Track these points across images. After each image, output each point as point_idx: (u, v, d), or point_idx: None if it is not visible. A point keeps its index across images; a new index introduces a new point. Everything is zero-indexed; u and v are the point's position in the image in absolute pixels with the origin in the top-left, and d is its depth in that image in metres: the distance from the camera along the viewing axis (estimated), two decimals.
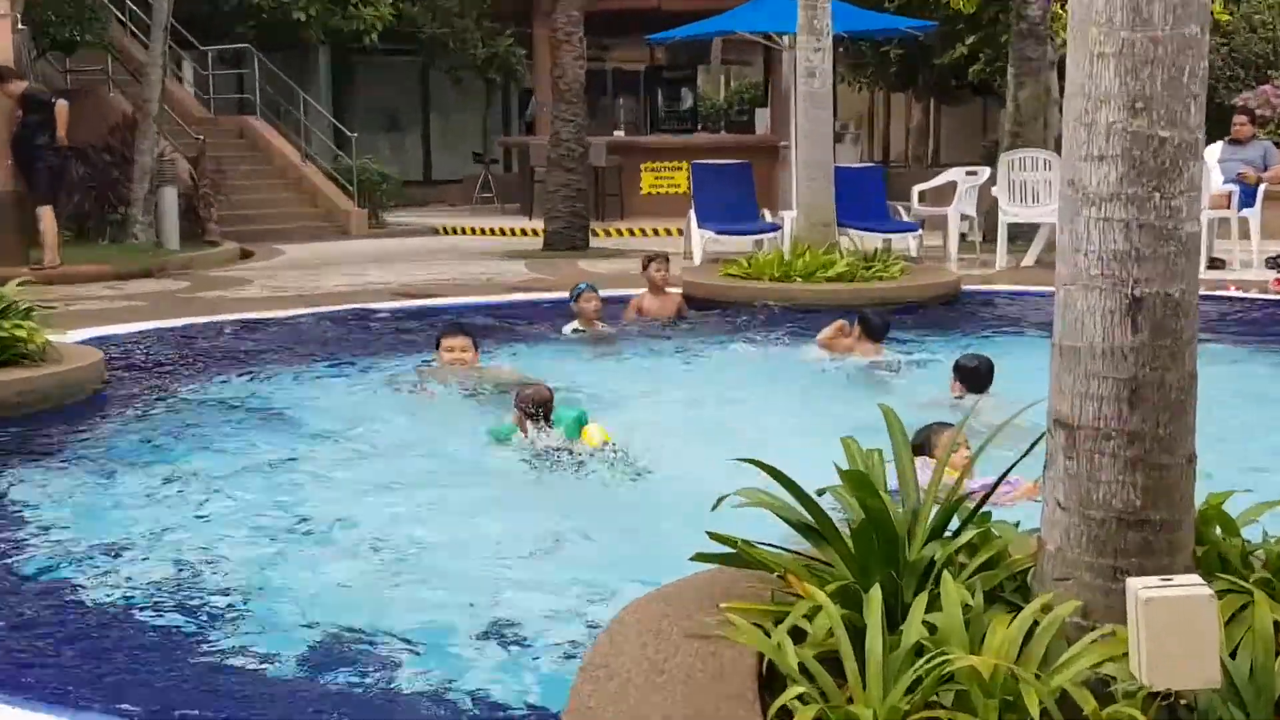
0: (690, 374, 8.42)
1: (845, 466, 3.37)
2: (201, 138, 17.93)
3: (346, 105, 25.13)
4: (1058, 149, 14.15)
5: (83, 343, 8.25)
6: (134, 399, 7.48)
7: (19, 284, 7.63)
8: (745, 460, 3.25)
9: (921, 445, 5.10)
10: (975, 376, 6.67)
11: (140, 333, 9.58)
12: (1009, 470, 3.76)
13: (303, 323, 10.26)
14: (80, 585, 4.47)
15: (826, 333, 8.45)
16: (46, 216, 13.34)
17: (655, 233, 18.94)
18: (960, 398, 6.61)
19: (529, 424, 6.08)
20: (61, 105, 13.40)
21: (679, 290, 10.55)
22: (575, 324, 9.29)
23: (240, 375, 8.18)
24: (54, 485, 5.71)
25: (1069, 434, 2.86)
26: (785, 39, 15.73)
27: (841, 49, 20.37)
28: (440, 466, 5.99)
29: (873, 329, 8.32)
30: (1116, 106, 2.76)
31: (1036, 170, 13.67)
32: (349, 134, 19.98)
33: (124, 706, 3.47)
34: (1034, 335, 9.11)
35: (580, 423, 6.10)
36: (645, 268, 10.20)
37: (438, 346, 7.51)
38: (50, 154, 13.35)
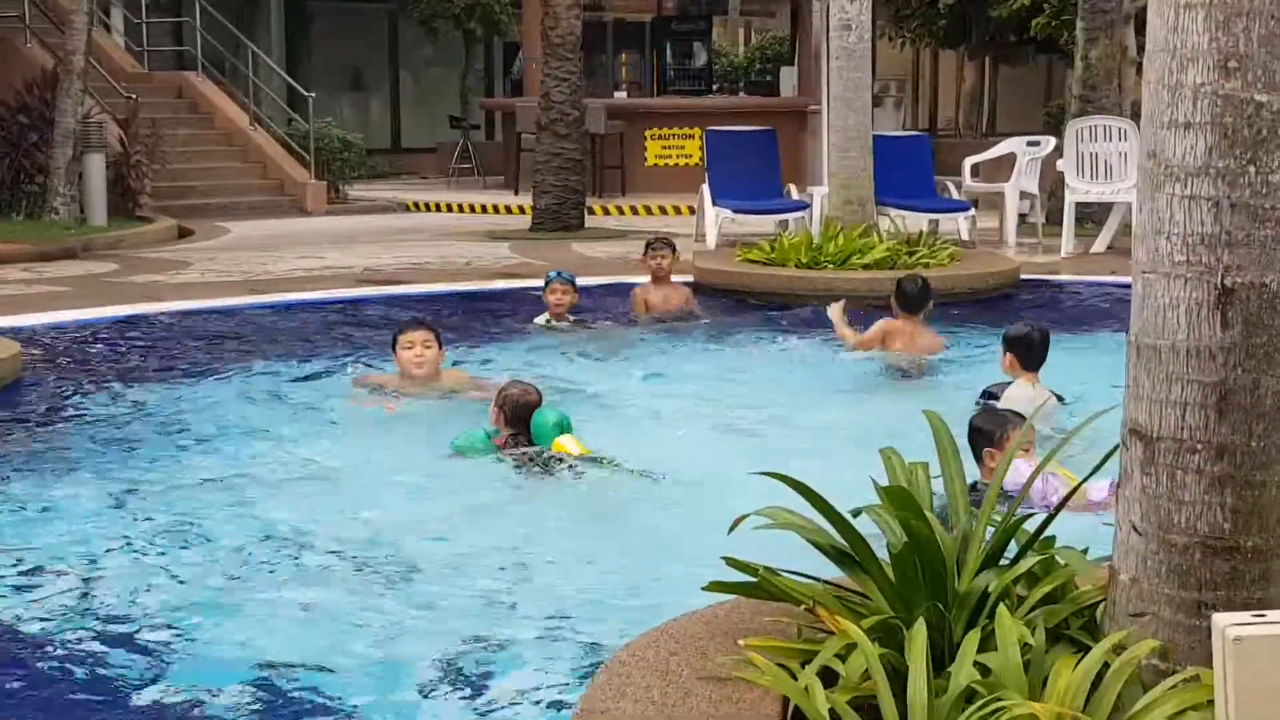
0: (697, 375, 8.44)
1: (885, 482, 3.38)
2: (133, 97, 17.95)
3: (302, 61, 25.20)
4: (1135, 116, 14.26)
5: None
6: (53, 398, 7.52)
7: None
8: (769, 474, 3.25)
9: (992, 433, 5.13)
10: (1028, 347, 6.71)
11: (61, 323, 9.61)
12: (1076, 488, 3.79)
13: (250, 314, 10.29)
14: None
15: (842, 328, 8.46)
16: None
17: (662, 211, 18.99)
18: (1013, 375, 6.70)
19: (506, 430, 6.14)
20: None
21: (686, 279, 10.59)
22: (547, 315, 9.57)
23: (176, 374, 8.22)
24: None
25: (1147, 446, 2.88)
26: None
27: None
28: (407, 478, 6.02)
29: (909, 299, 8.31)
30: (1205, 66, 2.77)
31: (1110, 141, 13.68)
32: (305, 94, 20.00)
33: None
34: (1105, 332, 9.12)
35: (560, 428, 6.12)
36: (645, 253, 10.26)
37: (394, 346, 7.42)
38: None
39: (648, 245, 10.31)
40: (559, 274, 9.74)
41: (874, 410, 7.21)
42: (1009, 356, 6.80)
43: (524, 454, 6.07)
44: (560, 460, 6.00)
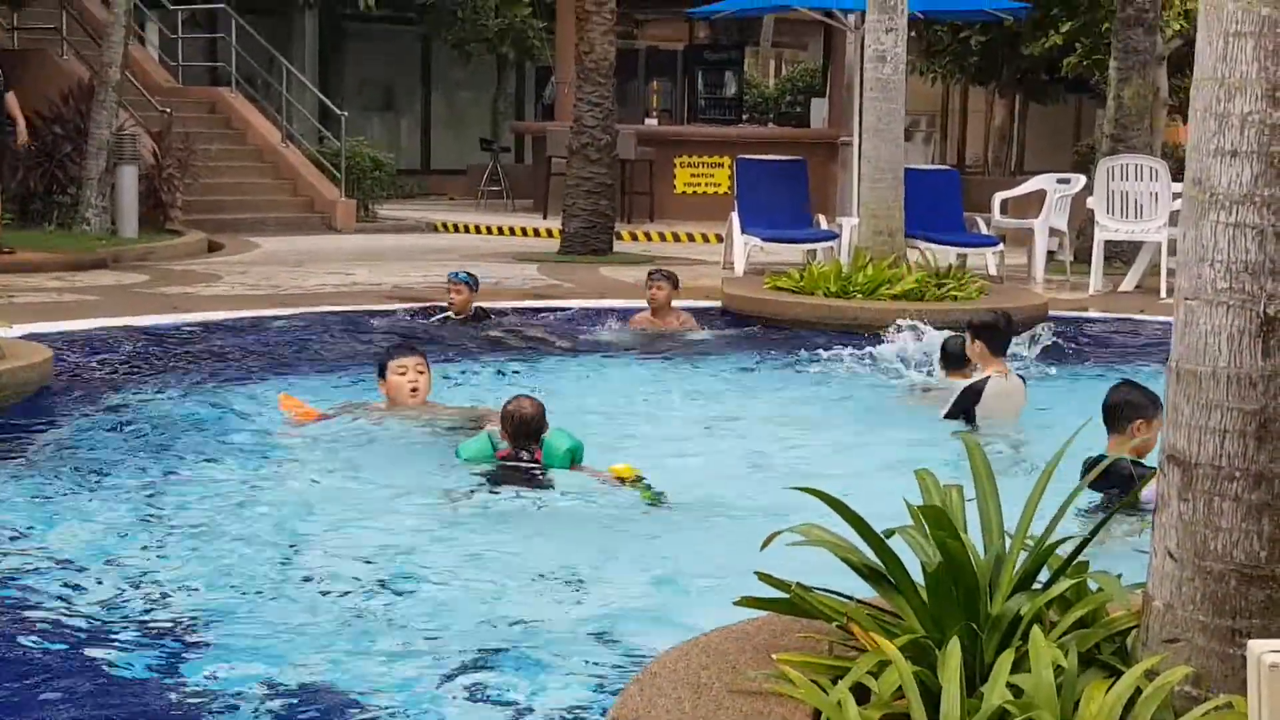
0: (727, 395, 8.53)
1: (918, 503, 3.39)
2: (167, 111, 18.09)
3: (335, 79, 25.33)
4: (1166, 157, 14.26)
5: (28, 339, 8.34)
6: (82, 404, 7.57)
7: None
8: (806, 490, 3.27)
9: (1146, 407, 5.30)
10: (996, 332, 7.25)
11: (91, 330, 9.68)
12: (1109, 517, 3.79)
13: (278, 326, 10.35)
14: (8, 609, 4.53)
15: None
16: None
17: (690, 238, 19.02)
18: (981, 363, 7.22)
19: (510, 443, 6.17)
20: (11, 99, 13.71)
21: (713, 305, 10.71)
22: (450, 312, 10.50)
23: (203, 383, 8.27)
24: None
25: (1185, 473, 2.88)
26: (851, 18, 15.82)
27: (913, 33, 20.43)
28: (431, 489, 6.05)
29: (951, 359, 8.34)
30: (1253, 95, 2.79)
31: (1140, 180, 13.66)
32: (338, 112, 20.11)
33: None
34: (1133, 369, 9.10)
35: (572, 454, 6.12)
36: (646, 282, 10.58)
37: (382, 374, 7.07)
38: None
39: (649, 275, 10.63)
40: (456, 274, 10.66)
41: (904, 434, 7.23)
42: (978, 344, 7.27)
43: (521, 469, 6.09)
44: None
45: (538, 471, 6.08)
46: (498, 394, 7.30)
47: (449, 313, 10.58)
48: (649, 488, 6.00)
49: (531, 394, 6.51)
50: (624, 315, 10.64)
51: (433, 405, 7.19)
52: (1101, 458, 4.88)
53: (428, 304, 11.07)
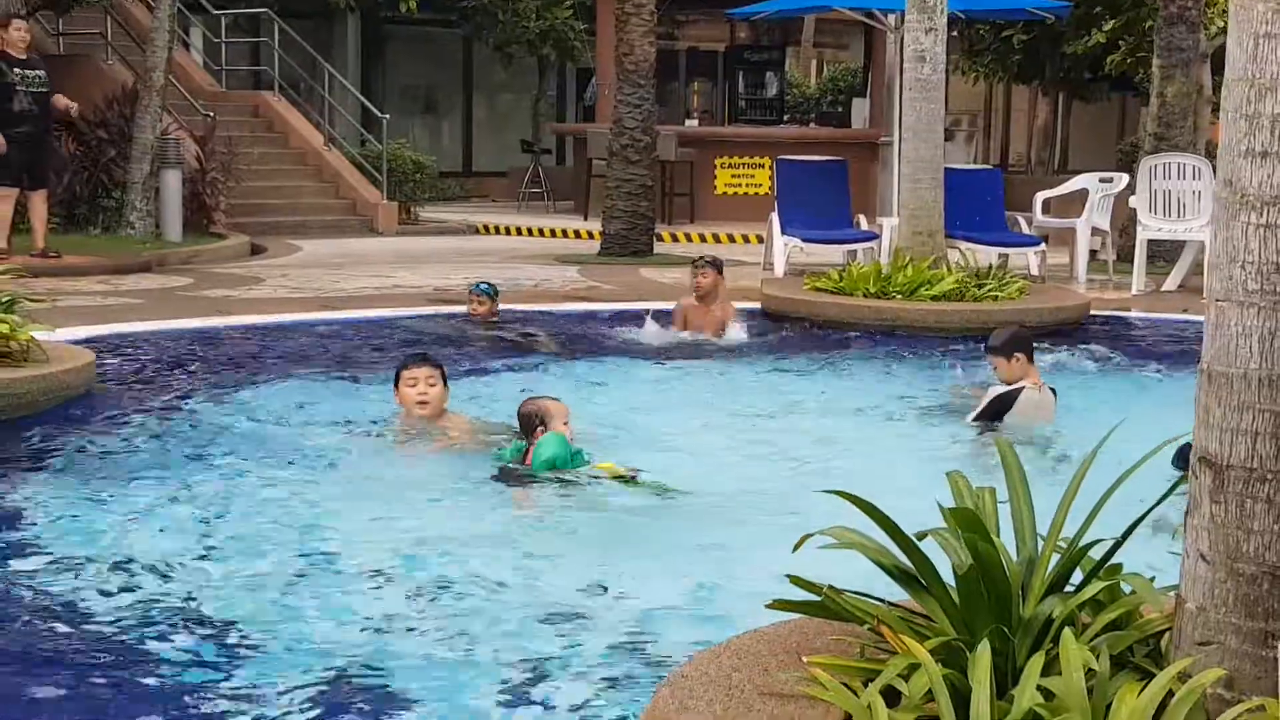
0: (759, 397, 8.53)
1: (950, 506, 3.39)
2: (211, 115, 18.22)
3: (377, 82, 25.49)
4: (1210, 155, 14.16)
5: (72, 343, 8.41)
6: (126, 408, 7.62)
7: (1, 273, 7.78)
8: (837, 493, 3.28)
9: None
10: (1028, 344, 7.30)
11: (136, 334, 9.76)
12: (1141, 518, 3.77)
13: (320, 329, 10.40)
14: (57, 610, 4.59)
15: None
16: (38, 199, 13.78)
17: (730, 239, 19.03)
18: (1023, 375, 7.25)
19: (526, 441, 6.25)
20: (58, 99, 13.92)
21: (753, 306, 10.71)
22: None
23: (246, 387, 8.31)
24: (33, 498, 5.87)
25: (1216, 474, 2.87)
26: (891, 18, 15.81)
27: (955, 33, 20.38)
28: (464, 491, 6.11)
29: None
30: None
31: (1184, 179, 13.58)
32: (379, 115, 20.22)
33: None
34: (1175, 370, 9.07)
35: (550, 464, 6.14)
36: (691, 269, 10.63)
37: (396, 383, 6.99)
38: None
39: (693, 262, 10.66)
40: (477, 285, 10.72)
41: (938, 437, 7.23)
42: (1019, 358, 7.26)
43: (519, 472, 6.17)
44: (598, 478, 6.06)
45: (531, 475, 6.13)
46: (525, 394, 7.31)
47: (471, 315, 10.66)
48: (634, 479, 6.06)
49: (538, 395, 6.56)
50: (658, 316, 10.63)
51: (452, 416, 7.05)
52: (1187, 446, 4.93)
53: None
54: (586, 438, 6.57)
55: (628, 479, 6.06)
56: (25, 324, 7.47)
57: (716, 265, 10.45)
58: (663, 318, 10.59)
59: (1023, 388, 7.18)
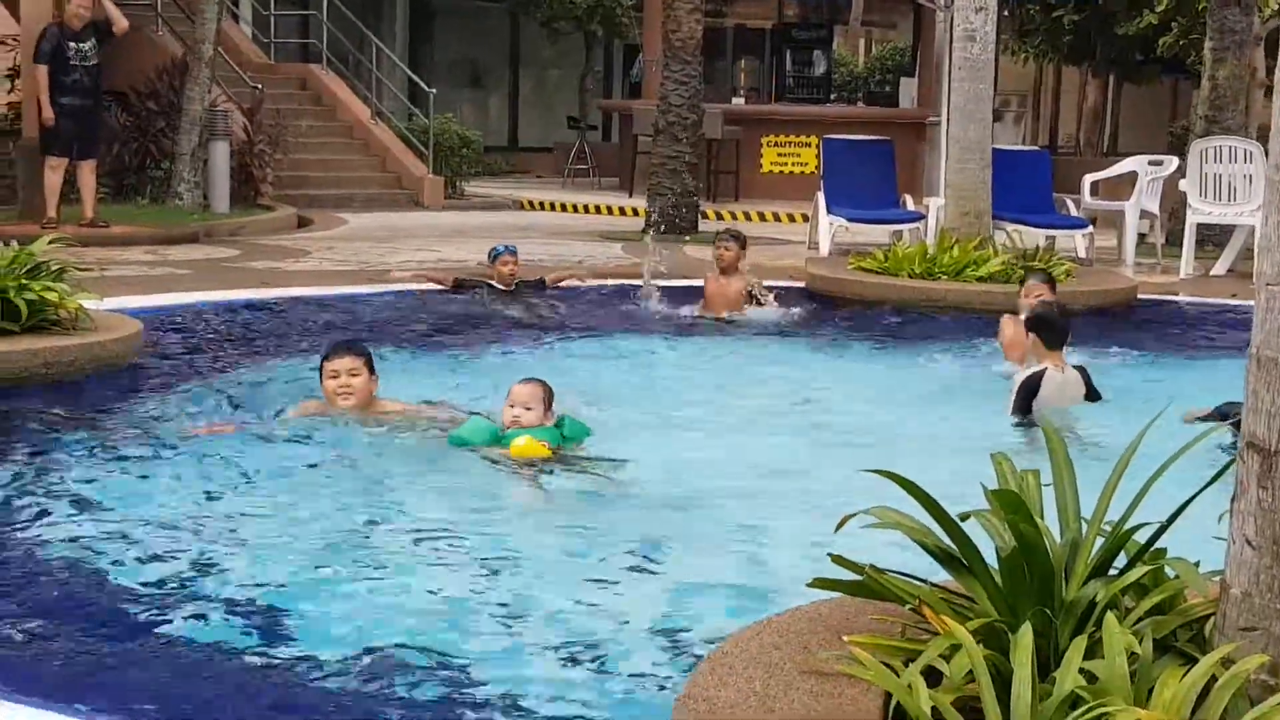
0: (803, 376, 8.54)
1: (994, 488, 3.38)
2: (259, 87, 18.27)
3: (424, 57, 25.49)
4: (1261, 138, 14.03)
5: (118, 312, 8.47)
6: (173, 377, 7.69)
7: (50, 242, 7.85)
8: (881, 473, 3.27)
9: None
10: (1050, 326, 7.17)
11: (183, 304, 9.82)
12: (1187, 503, 3.75)
13: (367, 302, 10.44)
14: (105, 577, 4.64)
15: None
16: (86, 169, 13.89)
17: (776, 218, 18.98)
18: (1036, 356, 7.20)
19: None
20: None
21: (798, 285, 10.69)
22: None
23: (291, 358, 8.34)
24: (80, 465, 5.93)
25: (1264, 459, 2.85)
26: None
27: (1006, 12, 20.23)
28: (502, 472, 6.10)
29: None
30: None
31: (1235, 162, 13.45)
32: (426, 90, 20.24)
33: (150, 709, 3.59)
34: (1223, 355, 9.00)
35: (462, 441, 6.11)
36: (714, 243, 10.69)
37: (320, 373, 6.62)
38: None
39: (716, 235, 10.72)
40: (506, 247, 10.86)
41: (981, 419, 7.20)
42: (1031, 337, 7.20)
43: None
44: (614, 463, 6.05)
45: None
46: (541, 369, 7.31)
47: (492, 281, 10.76)
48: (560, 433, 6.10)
49: (532, 377, 6.42)
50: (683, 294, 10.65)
51: (383, 403, 6.70)
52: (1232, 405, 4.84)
53: (467, 279, 11.08)
54: (598, 418, 6.61)
55: (547, 457, 6.00)
56: (74, 292, 7.54)
57: (739, 238, 10.48)
58: (676, 295, 10.61)
59: (1044, 369, 7.11)
